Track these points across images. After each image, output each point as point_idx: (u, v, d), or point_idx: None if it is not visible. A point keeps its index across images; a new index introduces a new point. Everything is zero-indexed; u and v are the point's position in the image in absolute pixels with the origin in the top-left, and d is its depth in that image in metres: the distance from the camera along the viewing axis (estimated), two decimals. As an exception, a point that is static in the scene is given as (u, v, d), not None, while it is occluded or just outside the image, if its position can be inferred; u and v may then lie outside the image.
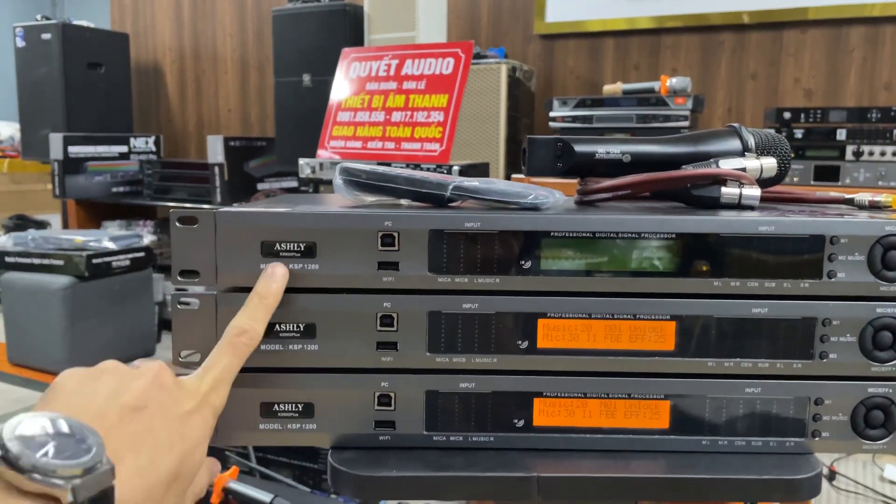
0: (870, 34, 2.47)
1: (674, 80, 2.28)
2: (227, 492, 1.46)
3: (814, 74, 2.55)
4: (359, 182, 0.54)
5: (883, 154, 2.00)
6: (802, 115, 2.07)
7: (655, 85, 2.32)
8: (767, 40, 2.60)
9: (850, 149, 2.03)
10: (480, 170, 2.01)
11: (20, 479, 0.30)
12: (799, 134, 2.07)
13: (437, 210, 0.50)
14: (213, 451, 1.59)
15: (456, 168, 1.83)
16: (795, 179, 2.07)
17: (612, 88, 2.40)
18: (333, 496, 1.62)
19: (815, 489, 0.47)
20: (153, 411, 0.38)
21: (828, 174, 2.04)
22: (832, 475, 2.00)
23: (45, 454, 0.30)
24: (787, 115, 2.08)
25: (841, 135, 2.04)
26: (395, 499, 0.44)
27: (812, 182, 2.07)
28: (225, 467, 1.54)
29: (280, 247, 0.47)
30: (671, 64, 2.74)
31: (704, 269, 0.48)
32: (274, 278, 0.46)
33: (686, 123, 2.23)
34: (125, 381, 0.39)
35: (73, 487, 0.30)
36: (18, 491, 0.30)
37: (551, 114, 2.39)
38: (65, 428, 0.32)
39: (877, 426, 0.49)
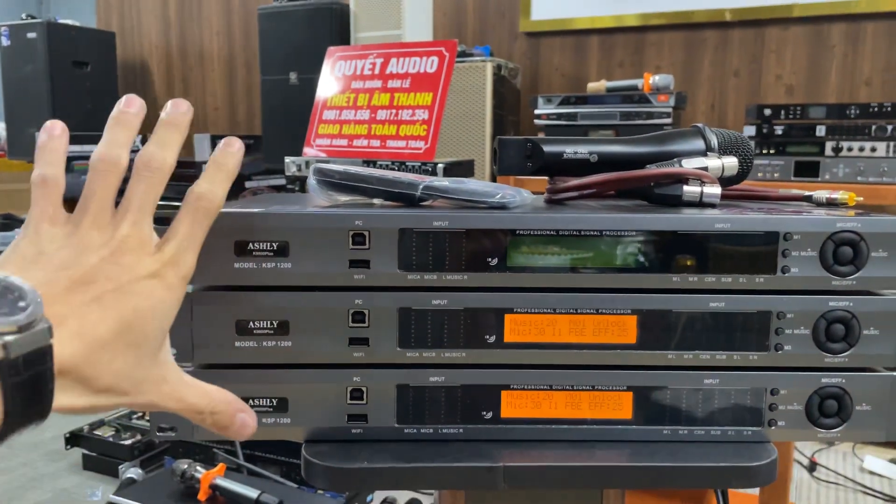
0: (850, 30, 2.51)
1: (657, 77, 2.30)
2: (214, 488, 1.47)
3: (795, 71, 2.58)
4: (332, 182, 0.55)
5: (862, 150, 2.03)
6: (782, 112, 2.10)
7: (639, 82, 2.35)
8: (750, 37, 2.63)
9: (829, 145, 2.06)
10: (465, 167, 2.02)
11: None
12: (779, 130, 2.10)
13: (407, 209, 0.51)
14: (202, 450, 1.60)
15: (440, 166, 1.84)
16: (776, 175, 2.10)
17: (596, 86, 2.42)
18: (320, 492, 1.63)
19: (770, 476, 0.49)
20: (102, 284, 0.37)
21: (808, 170, 2.07)
22: (813, 466, 2.04)
23: None
24: (767, 111, 2.10)
25: (820, 131, 2.07)
26: (366, 489, 0.46)
27: (792, 178, 2.09)
28: (212, 464, 1.56)
29: (253, 246, 0.48)
30: (655, 61, 2.76)
31: (664, 264, 0.50)
32: (232, 148, 0.45)
33: (669, 120, 2.25)
34: (79, 254, 0.38)
35: (4, 343, 0.30)
36: None
37: (536, 111, 2.40)
38: (2, 286, 0.32)
39: (831, 415, 0.51)
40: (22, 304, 0.32)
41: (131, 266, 0.38)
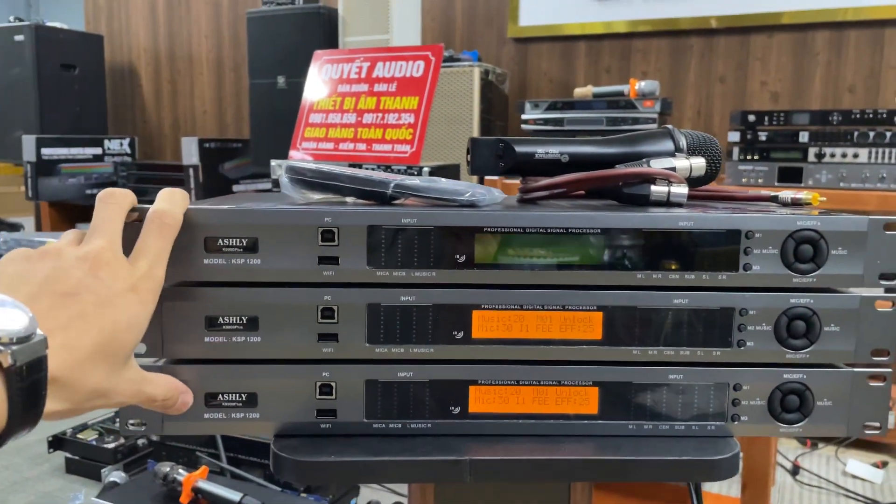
0: (834, 38, 2.53)
1: (642, 83, 2.32)
2: (196, 491, 1.47)
3: (780, 78, 2.60)
4: (304, 180, 0.56)
5: (844, 156, 2.05)
6: (766, 118, 2.12)
7: (625, 88, 2.37)
8: (735, 44, 2.65)
9: (812, 151, 2.08)
10: (451, 171, 2.03)
11: None
12: (763, 136, 2.12)
13: (376, 206, 0.52)
14: (184, 453, 1.60)
15: (426, 169, 1.85)
16: (760, 181, 2.12)
17: (582, 91, 2.44)
18: (304, 495, 1.63)
19: (733, 469, 0.50)
20: (85, 297, 0.39)
21: (791, 175, 2.09)
22: (796, 470, 2.05)
23: None
24: (751, 117, 2.13)
25: (804, 137, 2.09)
26: (334, 483, 0.46)
27: (776, 183, 2.12)
28: (195, 467, 1.55)
29: (223, 242, 0.49)
30: (642, 67, 2.78)
31: (629, 262, 0.50)
32: (177, 190, 0.49)
33: (655, 126, 2.27)
34: (61, 269, 0.40)
35: (12, 352, 0.33)
36: None
37: (523, 116, 2.42)
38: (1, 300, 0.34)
39: (793, 410, 0.52)
40: (19, 317, 0.34)
41: (109, 280, 0.41)
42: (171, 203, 0.47)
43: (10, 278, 0.40)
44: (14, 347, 0.33)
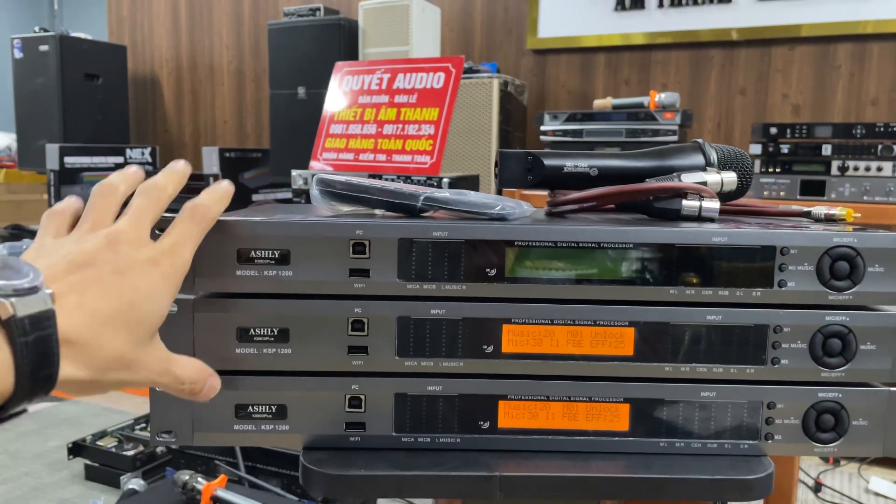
0: (857, 50, 2.51)
1: (662, 95, 2.31)
2: (215, 500, 1.47)
3: (801, 90, 2.59)
4: (335, 192, 0.56)
5: (868, 169, 2.03)
6: (788, 131, 2.11)
7: (645, 100, 2.36)
8: (756, 56, 2.64)
9: (835, 164, 2.06)
10: (470, 182, 2.03)
11: None
12: (785, 149, 2.11)
13: (407, 219, 0.52)
14: (203, 461, 1.59)
15: (445, 180, 1.85)
16: (782, 194, 2.10)
17: (602, 103, 2.43)
18: (321, 505, 1.63)
19: (766, 489, 0.49)
20: (100, 267, 0.39)
21: (814, 189, 2.07)
22: (818, 487, 2.02)
23: None
24: (773, 130, 2.11)
25: (826, 150, 2.07)
26: (363, 497, 0.46)
27: (798, 196, 2.10)
28: (213, 475, 1.56)
29: (255, 254, 0.49)
30: (661, 79, 2.78)
31: (661, 277, 0.50)
32: (223, 182, 0.48)
33: (675, 138, 2.26)
34: (80, 244, 0.40)
35: (11, 302, 0.33)
36: None
37: (542, 127, 2.42)
38: (4, 261, 0.35)
39: (827, 430, 0.51)
40: (22, 273, 0.35)
41: (128, 253, 0.41)
42: (209, 196, 0.46)
43: (35, 250, 0.41)
44: (13, 299, 0.33)
